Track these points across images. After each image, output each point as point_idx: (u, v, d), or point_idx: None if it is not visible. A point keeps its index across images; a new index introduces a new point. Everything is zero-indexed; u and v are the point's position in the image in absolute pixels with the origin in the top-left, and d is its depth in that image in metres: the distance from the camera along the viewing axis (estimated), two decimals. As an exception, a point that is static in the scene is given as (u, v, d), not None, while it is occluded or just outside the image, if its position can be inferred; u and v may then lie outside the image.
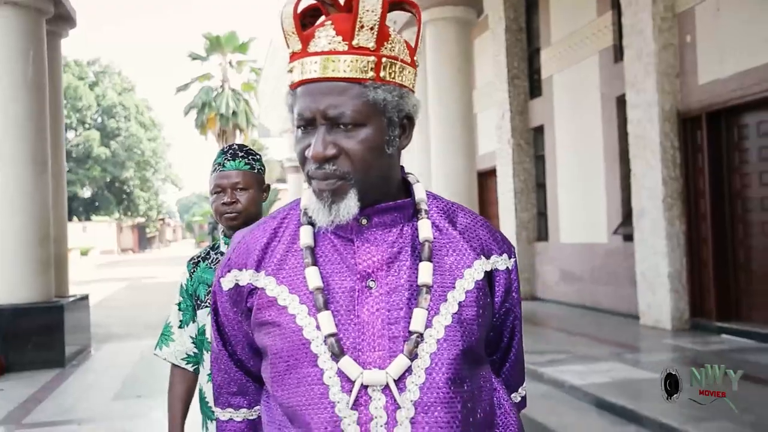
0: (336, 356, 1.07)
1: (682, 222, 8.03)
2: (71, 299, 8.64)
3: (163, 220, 64.70)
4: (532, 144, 11.97)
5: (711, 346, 6.97)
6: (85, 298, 9.17)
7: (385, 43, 1.09)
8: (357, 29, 1.06)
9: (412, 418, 1.07)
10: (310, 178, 1.11)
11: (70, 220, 20.12)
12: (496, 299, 1.21)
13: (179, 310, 2.22)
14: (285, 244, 1.18)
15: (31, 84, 7.89)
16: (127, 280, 22.38)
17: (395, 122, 1.12)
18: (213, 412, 1.85)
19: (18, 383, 6.98)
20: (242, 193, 2.09)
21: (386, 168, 1.14)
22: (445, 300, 1.12)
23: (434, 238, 1.16)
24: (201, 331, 2.16)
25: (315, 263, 1.13)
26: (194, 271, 2.20)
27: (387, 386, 1.07)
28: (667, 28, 8.01)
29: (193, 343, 2.19)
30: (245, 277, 1.18)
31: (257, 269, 1.17)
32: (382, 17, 1.07)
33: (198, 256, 2.25)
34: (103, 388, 6.78)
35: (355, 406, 1.07)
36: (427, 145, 10.40)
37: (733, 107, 7.48)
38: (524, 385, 1.35)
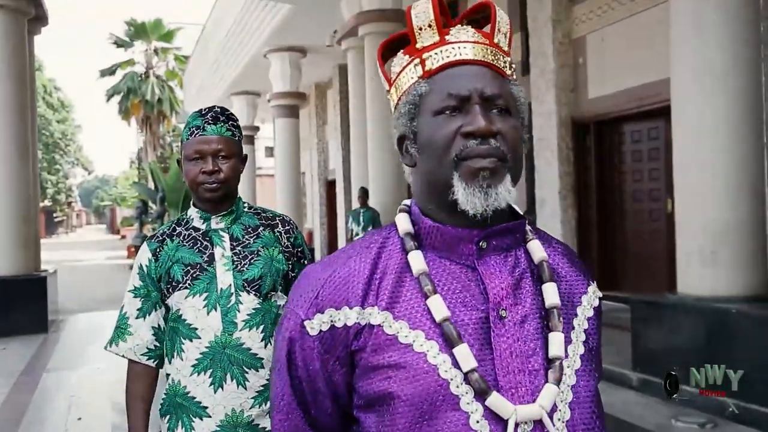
0: (482, 394, 0.92)
1: (574, 210, 9.67)
2: (46, 273, 9.54)
3: (70, 204, 63.01)
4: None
5: (593, 307, 8.74)
6: (54, 273, 10.07)
7: (510, 51, 1.07)
8: (496, 31, 1.04)
9: None
10: (461, 160, 0.97)
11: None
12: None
13: (135, 297, 1.91)
14: (394, 275, 1.01)
15: (16, 79, 8.78)
16: (54, 263, 22.49)
17: (525, 124, 1.05)
18: (205, 408, 1.78)
19: (15, 344, 7.95)
20: (224, 161, 1.86)
21: (522, 170, 1.03)
22: (573, 327, 1.01)
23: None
24: (174, 318, 1.86)
25: (436, 291, 0.97)
26: (160, 250, 1.90)
27: (537, 423, 0.93)
28: (564, 51, 9.66)
29: (154, 335, 1.91)
30: (352, 316, 0.99)
31: (363, 305, 0.99)
32: (510, 28, 1.07)
33: (162, 233, 1.95)
34: (94, 345, 7.78)
35: None
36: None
37: (614, 118, 9.22)
38: None
